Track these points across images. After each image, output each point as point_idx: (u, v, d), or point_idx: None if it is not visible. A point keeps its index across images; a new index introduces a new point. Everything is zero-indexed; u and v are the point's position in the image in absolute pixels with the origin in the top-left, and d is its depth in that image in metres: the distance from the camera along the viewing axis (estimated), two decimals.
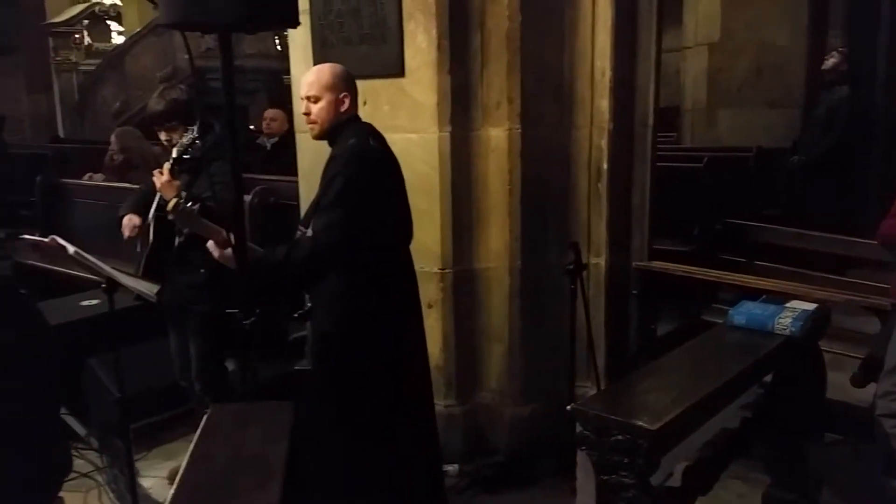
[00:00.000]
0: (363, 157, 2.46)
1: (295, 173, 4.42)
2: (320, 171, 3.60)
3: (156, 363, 3.65)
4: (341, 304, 2.52)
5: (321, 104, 2.51)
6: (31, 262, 5.43)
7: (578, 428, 2.06)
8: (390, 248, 2.58)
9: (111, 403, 3.69)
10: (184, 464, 1.77)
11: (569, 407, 2.12)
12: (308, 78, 2.56)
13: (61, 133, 12.01)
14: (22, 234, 3.36)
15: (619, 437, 1.98)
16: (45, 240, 2.64)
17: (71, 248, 2.57)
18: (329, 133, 2.55)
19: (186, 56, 9.90)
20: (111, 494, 3.34)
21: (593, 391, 3.35)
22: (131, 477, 2.99)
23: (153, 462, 3.60)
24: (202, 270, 3.04)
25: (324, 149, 3.58)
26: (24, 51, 13.13)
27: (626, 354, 3.56)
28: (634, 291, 3.53)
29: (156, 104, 3.10)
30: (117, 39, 12.91)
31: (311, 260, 2.37)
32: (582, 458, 2.08)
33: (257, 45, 10.77)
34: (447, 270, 3.33)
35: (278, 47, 10.72)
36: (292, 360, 3.78)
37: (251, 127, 8.31)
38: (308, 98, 2.53)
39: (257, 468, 1.75)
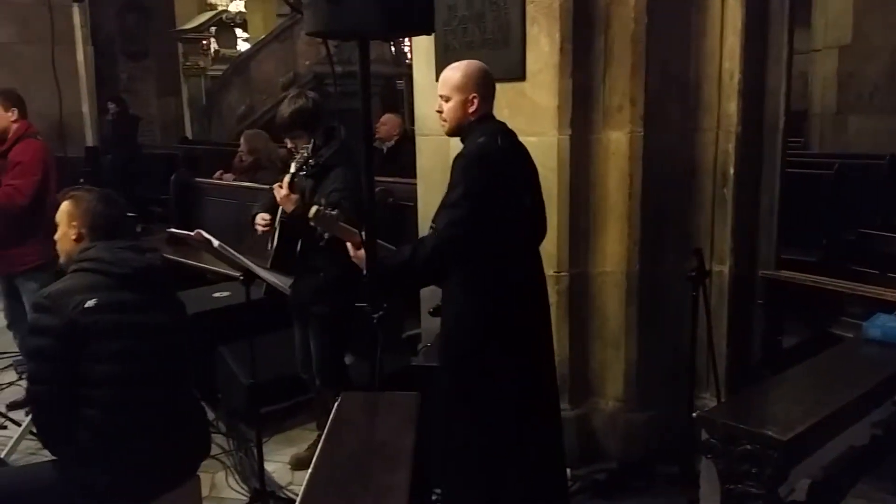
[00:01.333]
0: (488, 155, 2.48)
1: (410, 175, 4.55)
2: (439, 172, 3.73)
3: (280, 353, 3.83)
4: (468, 303, 2.56)
5: (451, 104, 2.56)
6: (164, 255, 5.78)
7: (704, 436, 2.03)
8: (518, 247, 2.60)
9: (240, 389, 3.91)
10: (319, 446, 1.87)
11: (695, 414, 2.10)
12: (443, 76, 2.61)
13: (189, 135, 12.69)
14: (170, 228, 3.61)
15: (748, 447, 1.94)
16: (192, 234, 2.82)
17: (215, 242, 2.74)
18: (458, 131, 2.60)
19: (307, 62, 10.20)
20: (237, 476, 3.52)
21: (712, 401, 3.27)
22: (260, 460, 3.14)
23: (275, 447, 3.76)
24: (321, 274, 3.18)
25: (443, 151, 3.70)
26: (156, 57, 13.96)
27: (749, 366, 3.46)
28: (760, 301, 3.43)
29: (282, 113, 3.24)
30: (242, 46, 13.54)
31: (432, 257, 2.42)
32: (707, 466, 2.05)
33: (372, 50, 11.04)
34: (563, 273, 3.33)
35: (392, 52, 11.01)
36: (406, 356, 3.88)
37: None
38: (441, 96, 2.58)
39: (387, 455, 1.83)
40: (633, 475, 3.31)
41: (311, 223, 2.54)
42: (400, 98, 11.40)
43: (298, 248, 3.13)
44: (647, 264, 3.30)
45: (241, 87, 12.00)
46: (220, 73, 12.65)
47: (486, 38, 3.38)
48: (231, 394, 3.97)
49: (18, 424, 3.93)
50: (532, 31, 3.24)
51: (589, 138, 3.27)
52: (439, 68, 3.59)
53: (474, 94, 2.55)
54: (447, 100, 2.57)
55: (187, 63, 12.98)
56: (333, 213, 2.52)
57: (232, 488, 3.42)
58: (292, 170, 3.16)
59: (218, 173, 6.43)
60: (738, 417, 2.04)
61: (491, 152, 2.50)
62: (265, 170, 6.00)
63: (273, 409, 3.90)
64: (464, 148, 2.55)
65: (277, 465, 3.60)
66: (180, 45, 13.06)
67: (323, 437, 1.91)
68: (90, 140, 6.55)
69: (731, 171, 3.27)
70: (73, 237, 2.46)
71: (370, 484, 1.66)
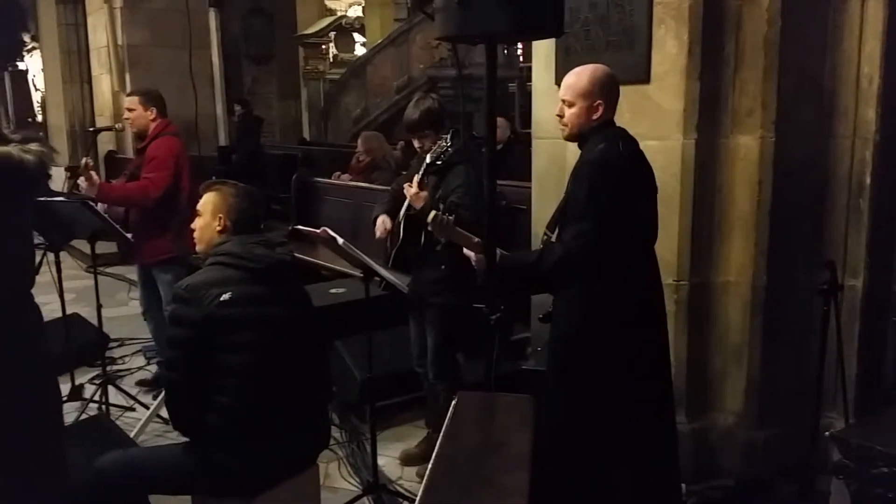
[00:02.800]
0: (611, 163, 2.45)
1: (517, 178, 4.53)
2: (554, 175, 3.71)
3: (394, 350, 3.91)
4: (583, 309, 2.53)
5: (573, 109, 2.52)
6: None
7: (836, 456, 1.93)
8: (637, 255, 2.55)
9: (353, 384, 4.02)
10: (438, 443, 1.89)
11: (827, 433, 1.99)
12: (567, 80, 2.57)
13: (306, 136, 13.15)
14: (295, 226, 3.76)
15: (884, 469, 1.84)
16: (318, 231, 2.91)
17: (340, 240, 2.83)
18: (578, 137, 2.57)
19: (421, 66, 10.35)
20: (349, 468, 3.62)
21: (839, 421, 3.10)
22: (374, 454, 3.21)
23: (385, 442, 3.84)
24: (443, 267, 3.23)
25: (558, 154, 3.67)
26: (278, 61, 14.54)
27: (880, 386, 3.27)
28: (894, 318, 3.23)
29: (411, 113, 3.30)
30: (359, 50, 13.90)
31: (561, 266, 2.40)
32: (838, 486, 1.96)
33: (484, 54, 11.10)
34: (682, 282, 3.24)
35: (504, 55, 11.02)
36: (515, 359, 3.87)
37: (473, 133, 8.60)
38: (563, 100, 2.55)
39: (505, 455, 1.83)
40: (752, 493, 3.19)
41: (429, 228, 2.56)
42: (511, 101, 11.42)
43: (422, 241, 3.18)
44: (773, 275, 3.17)
45: (357, 90, 12.32)
46: (337, 76, 13.05)
47: (610, 41, 3.33)
48: (345, 387, 4.08)
49: (147, 407, 4.17)
50: (658, 32, 3.18)
51: (716, 143, 3.17)
52: (559, 71, 3.57)
53: (599, 101, 2.50)
54: (570, 105, 2.53)
55: (307, 67, 13.45)
56: (450, 218, 2.53)
57: (344, 479, 3.51)
58: (423, 167, 3.20)
59: (336, 174, 6.63)
60: (875, 439, 1.93)
61: (614, 160, 2.45)
62: (380, 170, 6.15)
63: (384, 405, 3.98)
64: (584, 154, 2.52)
65: (387, 459, 3.67)
66: (301, 50, 13.54)
67: (441, 434, 1.94)
68: (222, 140, 6.89)
69: (868, 180, 3.10)
70: (218, 228, 2.57)
71: (490, 484, 1.67)
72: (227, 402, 2.37)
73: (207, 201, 2.61)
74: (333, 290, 4.64)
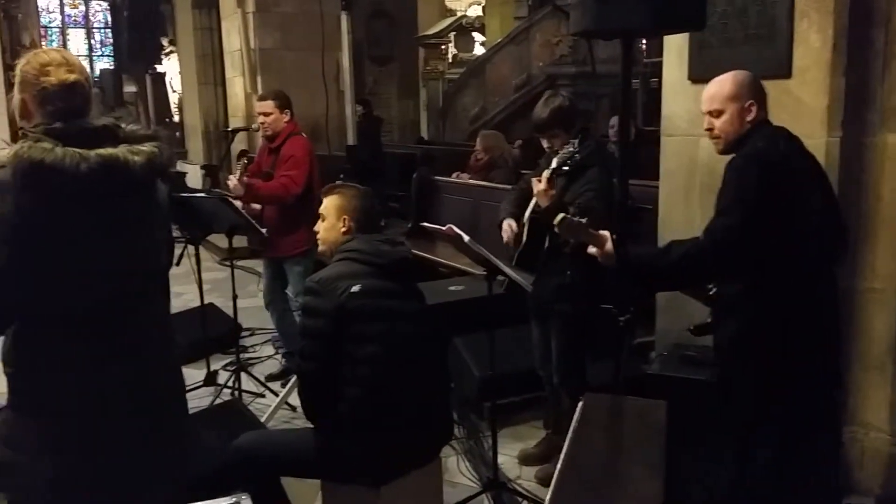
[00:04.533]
0: (767, 161, 2.30)
1: (643, 176, 4.41)
2: (683, 174, 3.60)
3: (513, 348, 3.91)
4: (751, 319, 2.37)
5: (724, 117, 2.39)
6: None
7: None
8: (810, 260, 2.37)
9: (472, 381, 4.05)
10: (566, 446, 1.88)
11: None
12: (709, 91, 2.45)
13: (425, 136, 13.33)
14: (418, 223, 3.83)
15: None
16: (443, 228, 2.95)
17: (466, 237, 2.86)
18: (735, 145, 2.41)
19: (541, 64, 10.23)
20: (467, 464, 3.64)
21: None
22: (494, 452, 3.22)
23: (503, 440, 3.81)
24: (568, 273, 3.18)
25: (688, 152, 3.56)
26: (399, 61, 14.82)
27: None
28: None
29: (540, 112, 3.24)
30: (478, 49, 13.96)
31: (690, 259, 2.29)
32: None
33: (608, 49, 10.91)
34: None
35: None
36: (637, 363, 3.78)
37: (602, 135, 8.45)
38: (710, 112, 2.42)
39: (638, 461, 1.80)
40: None
41: (556, 230, 2.51)
42: (634, 98, 11.14)
43: (546, 244, 3.16)
44: None
45: (475, 89, 12.38)
46: (456, 76, 13.14)
47: (749, 34, 3.20)
48: (463, 384, 4.11)
49: (276, 394, 4.35)
50: (801, 26, 3.02)
51: (862, 141, 2.98)
52: (693, 66, 3.46)
53: (751, 101, 2.37)
54: (719, 114, 2.40)
55: (427, 67, 13.63)
56: (582, 220, 2.48)
57: (463, 474, 3.54)
58: (555, 164, 3.15)
59: (455, 174, 6.69)
60: None
61: (770, 157, 2.30)
62: (499, 169, 6.16)
63: (502, 403, 3.98)
64: (740, 151, 2.38)
65: (505, 458, 3.67)
66: (421, 50, 13.72)
67: (569, 437, 1.92)
68: (351, 139, 7.10)
69: None
70: (343, 230, 2.67)
71: (624, 490, 1.64)
72: (357, 391, 2.45)
73: (330, 205, 2.72)
74: (452, 288, 4.69)
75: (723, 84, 2.41)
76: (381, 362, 2.45)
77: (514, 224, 3.30)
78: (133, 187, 1.87)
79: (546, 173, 3.11)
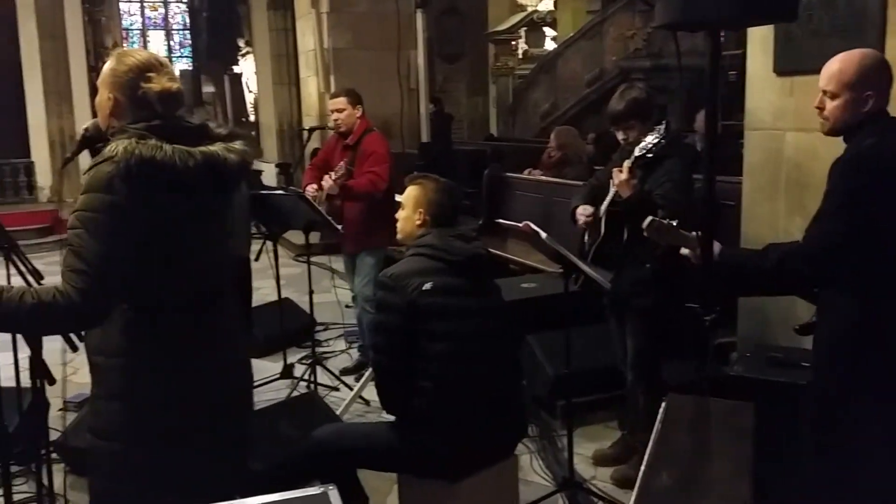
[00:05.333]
0: (875, 160, 2.15)
1: (723, 171, 4.28)
2: (769, 170, 3.49)
3: (586, 347, 3.85)
4: (851, 324, 2.24)
5: (837, 102, 2.21)
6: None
7: None
8: None
9: (545, 379, 4.02)
10: (649, 447, 1.84)
11: None
12: (830, 67, 2.24)
13: (494, 132, 13.31)
14: (498, 219, 3.83)
15: None
16: (520, 225, 2.94)
17: (543, 234, 2.84)
18: (841, 131, 2.26)
19: (614, 58, 10.08)
20: (540, 462, 3.62)
21: None
22: (570, 451, 3.18)
23: (576, 441, 3.76)
24: (647, 266, 3.12)
25: (774, 147, 3.45)
26: (468, 58, 14.83)
27: None
28: None
29: (616, 104, 3.21)
30: (549, 45, 13.84)
31: (788, 263, 2.17)
32: None
33: (684, 41, 10.65)
34: None
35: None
36: (718, 364, 3.69)
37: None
38: (825, 91, 2.25)
39: (724, 464, 1.75)
40: None
41: (645, 234, 2.44)
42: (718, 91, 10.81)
43: (624, 237, 3.11)
44: None
45: (546, 84, 12.29)
46: (527, 72, 13.07)
47: (836, 25, 3.08)
48: (535, 382, 4.08)
49: (350, 388, 4.41)
50: (893, 16, 2.89)
51: None
52: (779, 58, 3.36)
53: (870, 93, 2.18)
54: (833, 96, 2.22)
55: (497, 63, 13.59)
56: (672, 223, 2.40)
57: (537, 473, 3.52)
58: (637, 153, 3.08)
59: (527, 170, 6.65)
60: None
61: (880, 156, 2.15)
62: (572, 165, 6.09)
63: (576, 402, 3.94)
64: (848, 149, 2.23)
65: (579, 457, 3.62)
66: (491, 47, 13.70)
67: (652, 438, 1.88)
68: (424, 136, 7.15)
69: None
70: (418, 222, 2.69)
71: (711, 492, 1.60)
72: (431, 387, 2.46)
73: (409, 195, 2.73)
74: (525, 285, 4.66)
75: (846, 64, 2.20)
76: (453, 359, 2.46)
77: (589, 208, 3.25)
78: (228, 183, 1.96)
79: (627, 163, 3.05)
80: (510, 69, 13.66)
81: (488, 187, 6.75)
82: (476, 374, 2.52)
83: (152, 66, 1.90)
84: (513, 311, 4.19)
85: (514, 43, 13.97)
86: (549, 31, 14.13)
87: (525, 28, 13.75)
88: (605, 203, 3.20)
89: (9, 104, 13.36)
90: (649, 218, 2.32)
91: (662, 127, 3.10)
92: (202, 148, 1.85)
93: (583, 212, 3.26)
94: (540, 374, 4.07)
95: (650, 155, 3.03)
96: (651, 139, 3.06)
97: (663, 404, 2.03)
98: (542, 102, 12.26)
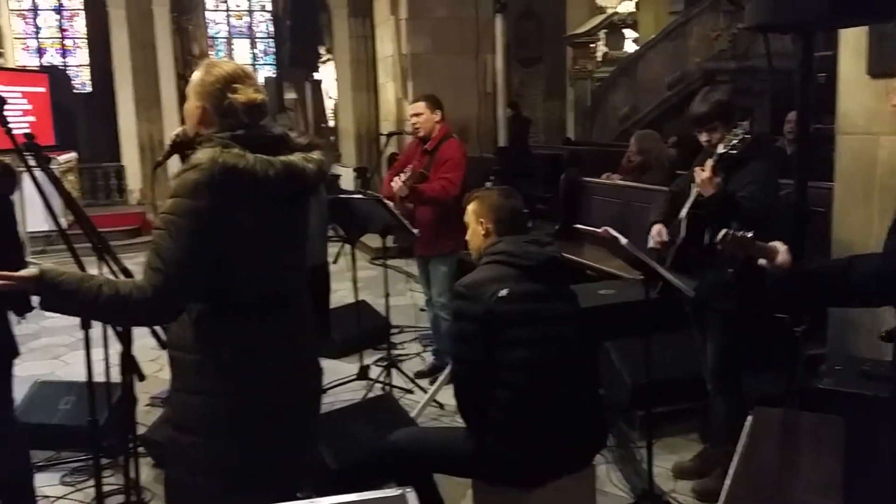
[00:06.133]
0: None
1: (813, 178, 4.11)
2: (861, 175, 3.34)
3: (666, 356, 3.76)
4: None
5: None
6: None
7: None
8: None
9: (623, 388, 3.94)
10: (735, 461, 1.78)
11: None
12: None
13: (571, 136, 13.17)
14: (576, 224, 3.79)
15: None
16: (599, 231, 2.89)
17: (623, 240, 2.78)
18: None
19: (697, 60, 9.82)
20: (618, 473, 3.55)
21: None
22: (650, 463, 3.11)
23: (655, 452, 3.69)
24: (730, 269, 3.02)
25: (868, 152, 3.29)
26: (546, 62, 14.73)
27: None
28: None
29: (698, 106, 3.14)
30: (630, 47, 13.61)
31: (874, 280, 2.04)
32: None
33: (773, 42, 10.31)
34: None
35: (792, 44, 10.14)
36: (806, 376, 3.55)
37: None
38: None
39: (813, 481, 1.68)
40: None
41: (719, 247, 2.35)
42: (809, 94, 10.41)
43: (706, 240, 3.02)
44: None
45: (626, 87, 12.08)
46: (606, 74, 12.88)
47: None
48: (613, 390, 4.01)
49: (424, 391, 4.43)
50: None
51: None
52: (873, 60, 3.21)
53: None
54: None
55: (575, 66, 13.46)
56: (748, 235, 2.32)
57: (614, 484, 3.45)
58: (720, 150, 2.97)
59: (605, 175, 6.54)
60: None
61: None
62: (652, 170, 5.96)
63: (656, 413, 3.85)
64: None
65: (658, 469, 3.53)
66: (570, 50, 13.57)
67: (738, 452, 1.82)
68: (502, 141, 7.14)
69: None
70: (483, 233, 2.70)
71: None
72: (508, 395, 2.44)
73: (470, 211, 2.75)
74: (602, 291, 4.58)
75: None
76: (531, 366, 2.43)
77: (664, 231, 3.18)
78: (304, 191, 2.03)
79: (710, 161, 2.96)
80: (589, 72, 13.49)
81: (565, 191, 6.66)
82: (554, 381, 2.48)
83: (238, 78, 1.96)
84: (590, 317, 4.14)
85: (593, 45, 13.79)
86: (629, 33, 13.89)
87: (605, 30, 13.55)
88: (687, 205, 3.11)
89: (102, 110, 14.01)
90: (723, 231, 2.23)
91: (746, 123, 3.00)
92: (282, 157, 1.92)
93: (656, 234, 3.19)
94: (618, 382, 3.99)
95: (734, 152, 2.92)
96: (737, 133, 2.95)
97: (750, 417, 1.96)
98: (621, 105, 12.05)
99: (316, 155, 2.00)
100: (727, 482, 1.66)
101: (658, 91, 11.16)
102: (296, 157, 1.95)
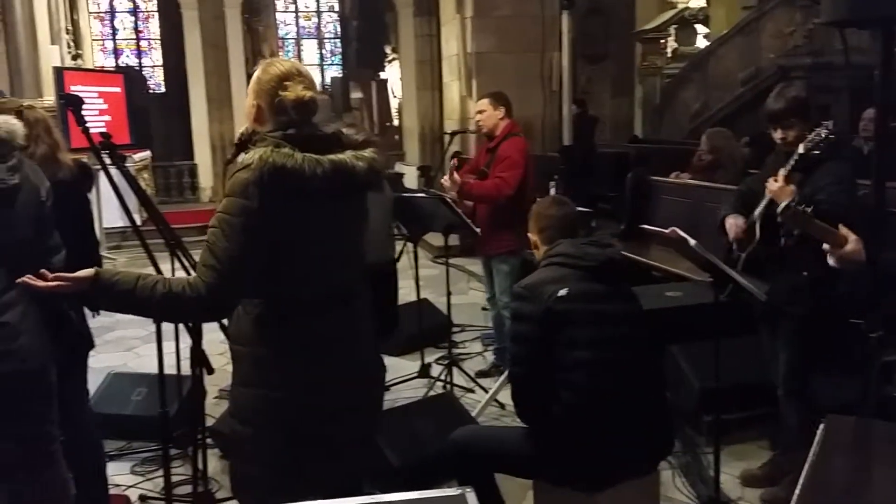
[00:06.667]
0: None
1: (892, 178, 3.93)
2: None
3: (734, 361, 3.64)
4: None
5: None
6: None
7: None
8: None
9: (690, 392, 3.85)
10: (805, 470, 1.72)
11: None
12: None
13: (638, 134, 12.92)
14: (642, 225, 3.73)
15: None
16: (667, 231, 2.83)
17: (692, 241, 2.72)
18: None
19: (772, 56, 9.51)
20: (683, 479, 3.47)
21: None
22: (717, 470, 3.03)
23: (723, 459, 3.60)
24: (805, 273, 2.93)
25: None
26: (614, 58, 14.49)
27: None
28: None
29: (774, 102, 3.06)
30: (701, 42, 13.30)
31: None
32: None
33: (850, 38, 9.93)
34: None
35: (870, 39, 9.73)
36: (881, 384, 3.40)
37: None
38: None
39: (888, 491, 1.61)
40: None
41: (780, 219, 2.32)
42: (876, 90, 10.01)
43: (781, 243, 2.93)
44: None
45: (697, 84, 11.78)
46: (675, 71, 12.60)
47: None
48: (679, 395, 3.92)
49: (485, 390, 4.42)
50: None
51: None
52: None
53: None
54: None
55: (644, 63, 13.21)
56: (808, 209, 2.28)
57: (679, 490, 3.38)
58: (792, 161, 2.91)
59: (674, 174, 6.41)
60: None
61: None
62: (724, 169, 5.81)
63: (725, 419, 3.75)
64: None
65: (726, 476, 3.44)
66: (639, 46, 13.34)
67: (808, 462, 1.76)
68: (567, 139, 7.06)
69: None
70: (537, 239, 2.72)
71: None
72: (570, 396, 2.42)
73: (530, 228, 2.77)
74: (669, 293, 4.48)
75: None
76: (592, 366, 2.41)
77: (740, 220, 3.10)
78: (356, 189, 2.04)
79: (783, 171, 2.87)
80: (658, 69, 13.20)
81: (632, 191, 6.54)
82: (617, 383, 2.45)
83: (291, 76, 1.98)
84: (655, 320, 4.05)
85: (663, 41, 13.49)
86: (700, 29, 13.54)
87: (675, 26, 13.23)
88: (761, 207, 3.02)
89: (175, 110, 14.44)
90: (784, 203, 2.19)
91: (830, 123, 2.88)
92: (331, 156, 1.93)
93: (733, 224, 3.11)
94: (685, 387, 3.90)
95: (817, 152, 2.82)
96: (816, 138, 2.85)
97: (822, 425, 1.89)
98: (692, 102, 11.75)
99: (367, 153, 2.00)
100: (797, 491, 1.60)
101: (730, 88, 10.87)
102: (346, 156, 1.95)
